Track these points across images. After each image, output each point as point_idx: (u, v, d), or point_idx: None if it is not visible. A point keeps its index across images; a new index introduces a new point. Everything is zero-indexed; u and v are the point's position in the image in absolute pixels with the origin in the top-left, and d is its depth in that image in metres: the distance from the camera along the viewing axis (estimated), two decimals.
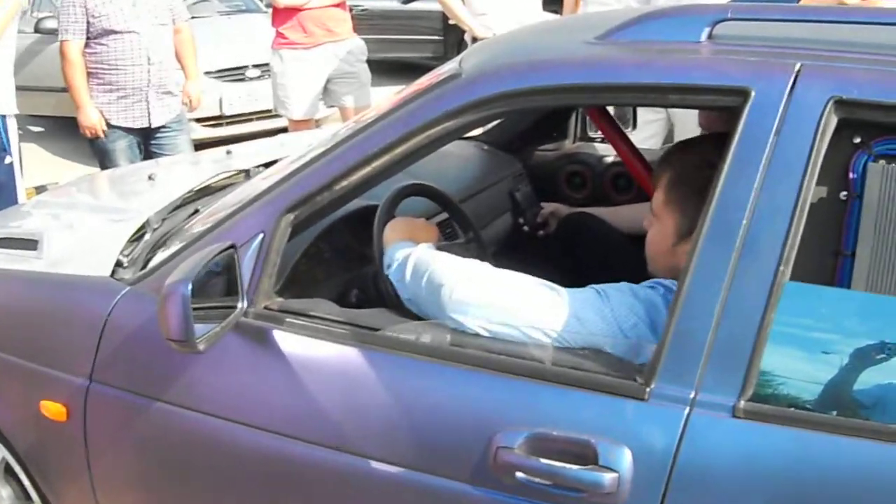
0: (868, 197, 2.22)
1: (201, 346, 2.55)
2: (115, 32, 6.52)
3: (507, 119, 4.77)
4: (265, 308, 2.78)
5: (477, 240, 3.51)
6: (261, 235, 2.79)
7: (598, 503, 2.28)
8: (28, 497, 3.39)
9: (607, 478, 2.24)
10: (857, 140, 2.25)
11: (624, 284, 2.63)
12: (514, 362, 2.46)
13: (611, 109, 4.33)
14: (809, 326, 2.22)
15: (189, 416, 2.82)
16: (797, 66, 2.33)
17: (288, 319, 2.74)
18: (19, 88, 6.29)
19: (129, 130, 6.77)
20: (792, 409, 2.18)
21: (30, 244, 3.54)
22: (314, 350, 2.69)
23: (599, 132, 4.66)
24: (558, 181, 4.77)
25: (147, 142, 6.91)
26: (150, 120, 6.77)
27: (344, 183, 2.74)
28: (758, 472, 2.17)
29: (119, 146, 6.77)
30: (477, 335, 2.57)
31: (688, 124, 4.90)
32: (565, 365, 2.44)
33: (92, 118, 6.62)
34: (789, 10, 2.71)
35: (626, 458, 2.25)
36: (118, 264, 3.24)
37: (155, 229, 3.50)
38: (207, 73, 9.74)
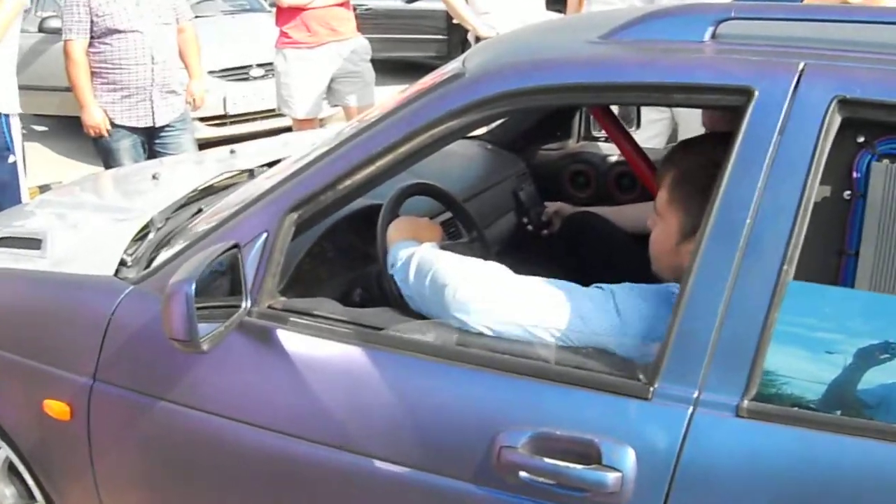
0: (872, 196, 2.22)
1: (205, 346, 2.55)
2: (119, 32, 6.52)
3: (510, 118, 4.76)
4: (269, 307, 2.78)
5: (480, 239, 3.51)
6: (264, 235, 2.79)
7: (602, 503, 2.28)
8: (32, 496, 3.40)
9: (611, 477, 2.24)
10: (861, 139, 2.25)
11: (628, 284, 2.63)
12: (517, 362, 2.46)
13: (615, 109, 4.33)
14: (813, 326, 2.22)
15: (193, 415, 2.82)
16: (801, 66, 2.33)
17: (292, 319, 2.74)
18: (23, 88, 6.29)
19: (132, 130, 6.77)
20: (796, 408, 2.18)
21: (33, 243, 3.54)
22: (318, 349, 2.69)
23: (603, 131, 4.65)
24: (562, 180, 4.77)
25: (151, 141, 6.91)
26: (154, 119, 6.77)
27: (347, 182, 2.74)
28: (761, 472, 2.17)
29: (123, 145, 6.77)
30: (480, 334, 2.57)
31: (692, 124, 4.90)
32: (569, 364, 2.44)
33: (96, 117, 6.63)
34: (793, 10, 2.72)
35: (629, 458, 2.25)
36: (122, 263, 3.24)
37: (159, 228, 3.50)
38: (211, 72, 9.74)
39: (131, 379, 2.96)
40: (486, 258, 2.79)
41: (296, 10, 7.36)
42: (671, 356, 2.26)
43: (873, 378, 2.16)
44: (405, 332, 2.67)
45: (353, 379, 2.62)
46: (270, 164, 3.94)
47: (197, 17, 7.69)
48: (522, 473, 2.33)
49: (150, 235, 3.45)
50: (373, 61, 7.86)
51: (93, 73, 6.64)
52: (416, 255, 2.82)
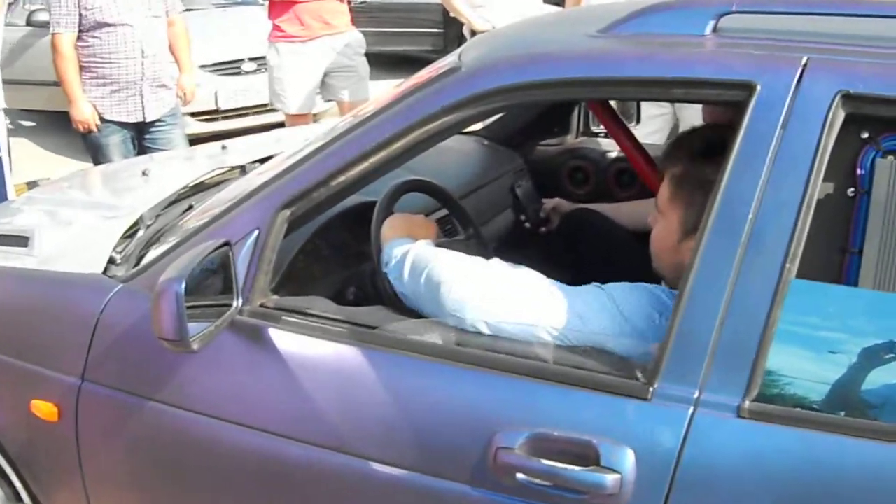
0: (876, 193, 2.22)
1: (195, 346, 2.55)
2: (108, 25, 6.50)
3: (507, 113, 4.76)
4: (261, 306, 2.78)
5: (477, 236, 3.51)
6: (256, 232, 2.78)
7: None
8: (19, 498, 3.39)
9: (609, 479, 2.24)
10: (865, 135, 2.25)
11: (628, 283, 2.63)
12: (514, 361, 2.47)
13: (614, 104, 4.33)
14: (816, 325, 2.23)
15: (183, 415, 2.82)
16: (804, 60, 2.33)
17: (284, 317, 2.74)
18: (10, 82, 6.31)
19: (122, 125, 6.76)
20: (798, 409, 2.18)
21: (21, 241, 3.54)
22: (311, 349, 2.69)
23: (602, 127, 4.65)
24: (560, 177, 4.77)
25: (141, 136, 6.90)
26: (144, 114, 6.76)
27: (341, 178, 2.74)
28: (763, 474, 2.17)
29: (112, 141, 6.76)
30: (477, 333, 2.58)
31: (693, 119, 4.90)
32: (567, 364, 2.44)
33: (85, 112, 6.62)
34: (795, 3, 2.71)
35: (628, 459, 2.25)
36: (111, 261, 3.24)
37: (148, 226, 3.50)
38: (203, 66, 9.73)
39: (120, 379, 2.96)
40: (482, 256, 2.79)
41: (288, 4, 7.35)
42: (671, 356, 2.26)
43: (877, 378, 2.16)
44: (400, 332, 2.67)
45: (346, 379, 2.62)
46: (262, 161, 3.94)
47: (187, 9, 7.69)
48: (519, 475, 2.34)
49: (140, 233, 3.45)
50: (367, 55, 7.85)
51: (81, 68, 6.63)
52: (410, 252, 2.82)
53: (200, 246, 2.67)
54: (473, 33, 7.30)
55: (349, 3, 7.72)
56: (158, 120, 6.86)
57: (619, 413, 2.31)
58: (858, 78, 2.26)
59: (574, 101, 4.69)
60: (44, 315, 3.18)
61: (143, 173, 4.43)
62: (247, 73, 10.51)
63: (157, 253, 3.09)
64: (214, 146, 5.02)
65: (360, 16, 8.58)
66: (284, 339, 2.71)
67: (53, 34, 6.56)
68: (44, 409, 3.07)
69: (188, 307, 2.50)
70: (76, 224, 3.75)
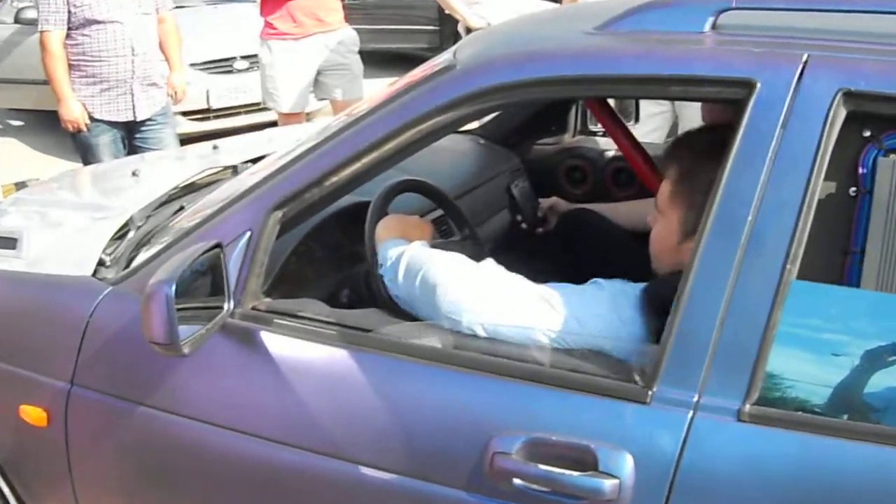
0: (878, 192, 2.22)
1: (186, 349, 2.54)
2: (98, 22, 6.49)
3: (503, 112, 4.77)
4: (252, 309, 2.78)
5: (473, 237, 3.51)
6: (248, 233, 2.78)
7: None
8: None
9: (608, 484, 2.24)
10: (867, 134, 2.25)
11: (627, 283, 2.63)
12: (511, 364, 2.46)
13: (612, 102, 4.33)
14: (817, 327, 2.22)
15: (173, 420, 2.82)
16: (804, 57, 2.32)
17: (276, 320, 2.74)
18: None
19: (112, 124, 6.75)
20: (799, 412, 2.18)
21: (9, 242, 3.53)
22: (303, 352, 2.69)
23: (600, 125, 4.65)
24: (557, 176, 4.77)
25: (131, 136, 6.89)
26: (134, 113, 6.75)
27: (334, 179, 2.73)
28: (764, 478, 2.17)
29: (102, 140, 6.75)
30: (473, 336, 2.58)
31: (693, 118, 4.90)
32: (564, 367, 2.44)
33: (74, 111, 6.60)
34: None
35: (627, 464, 2.25)
36: (101, 263, 3.24)
37: (139, 227, 3.50)
38: (193, 64, 9.73)
39: (110, 383, 2.95)
40: (478, 257, 2.79)
41: (281, 0, 7.34)
42: (670, 358, 2.26)
43: (880, 381, 2.16)
44: (394, 335, 2.67)
45: (340, 383, 2.62)
46: (255, 161, 3.94)
47: (178, 7, 7.68)
48: (516, 480, 2.33)
49: (130, 234, 3.45)
50: (361, 53, 7.85)
51: (71, 66, 6.62)
52: (405, 254, 2.82)
53: (191, 248, 2.67)
54: (468, 30, 7.30)
55: None
56: (149, 119, 6.86)
57: (617, 417, 2.31)
58: (860, 75, 2.26)
59: (571, 100, 4.69)
60: (32, 318, 3.18)
61: (134, 174, 4.42)
62: (239, 71, 10.50)
63: (147, 255, 3.09)
64: (206, 146, 5.02)
65: (353, 13, 8.57)
66: (277, 343, 2.71)
67: (42, 32, 6.54)
68: (33, 414, 3.06)
69: (179, 310, 2.49)
70: (65, 225, 3.75)
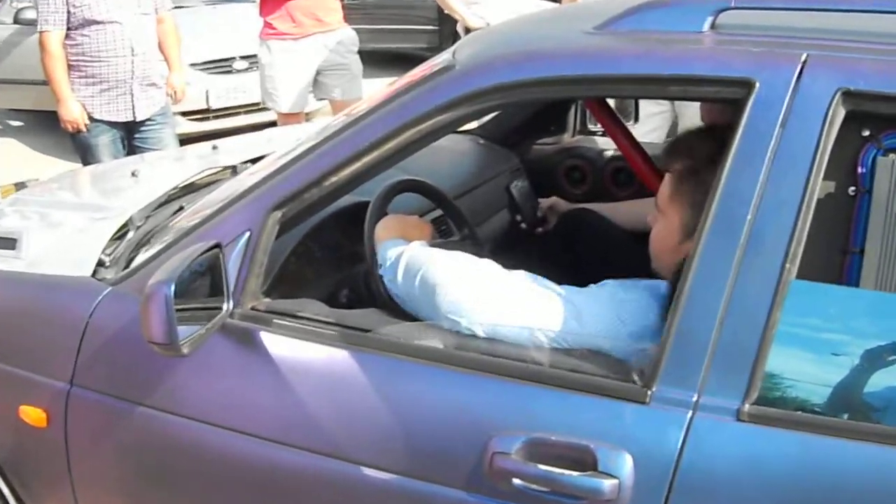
0: (877, 192, 2.22)
1: (185, 349, 2.55)
2: (97, 22, 6.49)
3: (503, 112, 4.77)
4: (252, 309, 2.78)
5: (472, 237, 3.51)
6: (247, 234, 2.78)
7: None
8: None
9: (607, 484, 2.24)
10: (866, 133, 2.25)
11: (626, 282, 2.63)
12: (510, 364, 2.46)
13: (612, 102, 4.33)
14: (817, 326, 2.22)
15: (173, 421, 2.82)
16: (803, 57, 2.32)
17: (275, 321, 2.74)
18: None
19: (112, 124, 6.75)
20: (799, 412, 2.18)
21: (8, 243, 3.53)
22: (303, 352, 2.69)
23: (599, 125, 4.65)
24: (557, 176, 4.77)
25: (131, 136, 6.89)
26: (134, 113, 6.75)
27: (334, 179, 2.73)
28: (763, 478, 2.17)
29: (102, 141, 6.75)
30: (472, 336, 2.58)
31: (693, 117, 4.90)
32: (564, 367, 2.44)
33: (74, 112, 6.60)
34: None
35: (626, 464, 2.25)
36: (100, 264, 3.24)
37: (138, 227, 3.50)
38: (193, 65, 9.73)
39: (109, 383, 2.95)
40: (478, 257, 2.79)
41: (280, 0, 7.34)
42: (669, 358, 2.26)
43: (879, 380, 2.16)
44: (394, 335, 2.67)
45: (339, 383, 2.62)
46: (254, 161, 3.94)
47: (177, 7, 7.68)
48: (516, 480, 2.33)
49: (130, 235, 3.45)
50: (360, 53, 7.85)
51: (70, 66, 6.61)
52: (405, 254, 2.82)
53: (191, 248, 2.67)
54: (467, 30, 7.30)
55: None
56: (148, 119, 6.86)
57: (616, 417, 2.31)
58: (859, 75, 2.26)
59: (571, 100, 4.69)
60: (32, 319, 3.18)
61: (133, 174, 4.42)
62: (238, 71, 10.49)
63: (146, 255, 3.08)
64: (205, 146, 5.02)
65: (353, 13, 8.57)
66: (276, 343, 2.71)
67: (41, 32, 6.54)
68: (32, 414, 3.06)
69: (178, 310, 2.49)
70: (65, 226, 3.75)
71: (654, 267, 2.81)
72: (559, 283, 2.63)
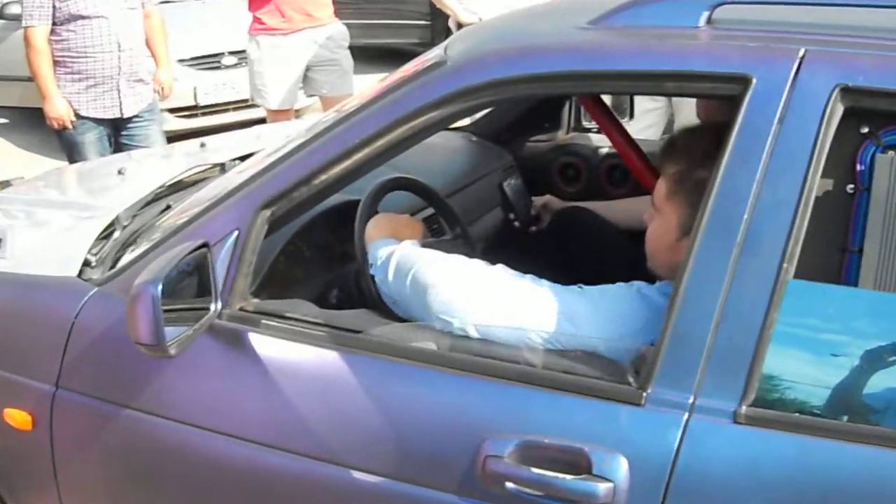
0: (876, 190, 2.21)
1: (172, 350, 2.54)
2: (83, 17, 6.48)
3: (496, 108, 4.76)
4: (240, 309, 2.77)
5: (465, 236, 3.50)
6: (236, 233, 2.78)
7: None
8: None
9: (602, 488, 2.24)
10: (865, 130, 2.24)
11: (620, 283, 2.63)
12: (503, 366, 2.46)
13: (607, 98, 4.32)
14: (815, 327, 2.22)
15: (160, 423, 2.81)
16: (801, 52, 2.32)
17: (264, 321, 2.73)
18: None
19: (99, 121, 6.74)
20: (796, 414, 2.18)
21: None
22: (292, 354, 2.68)
23: (594, 122, 4.65)
24: (551, 174, 4.77)
25: (117, 133, 6.88)
26: (121, 110, 6.74)
27: (324, 177, 2.73)
28: (760, 481, 2.17)
29: (88, 138, 6.74)
30: (465, 337, 2.57)
31: (690, 114, 4.90)
32: (557, 368, 2.44)
33: (59, 109, 6.59)
34: None
35: (621, 467, 2.25)
36: (86, 264, 3.23)
37: (125, 227, 3.49)
38: (181, 60, 9.73)
39: (95, 386, 2.94)
40: (470, 256, 2.79)
41: None
42: (665, 359, 2.25)
43: (879, 382, 2.15)
44: (385, 336, 2.67)
45: (329, 385, 2.61)
46: (243, 158, 3.93)
47: (164, 1, 7.71)
48: (509, 484, 2.33)
49: (116, 234, 3.44)
50: (351, 48, 7.85)
51: (56, 62, 6.60)
52: (395, 253, 2.82)
53: (178, 247, 2.66)
54: (460, 26, 7.29)
55: None
56: (136, 116, 6.85)
57: (611, 419, 2.30)
58: (858, 70, 2.25)
59: (565, 96, 4.69)
60: (16, 320, 3.17)
61: (120, 172, 4.42)
62: (227, 67, 10.48)
63: (133, 255, 3.08)
64: (193, 143, 5.02)
65: (343, 7, 8.55)
66: (265, 344, 2.71)
67: (26, 28, 6.53)
68: (17, 417, 3.06)
69: (165, 311, 2.49)
70: (50, 225, 3.75)
71: (649, 266, 2.81)
72: (553, 282, 2.63)
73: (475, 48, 2.81)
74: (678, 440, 2.22)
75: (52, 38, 6.54)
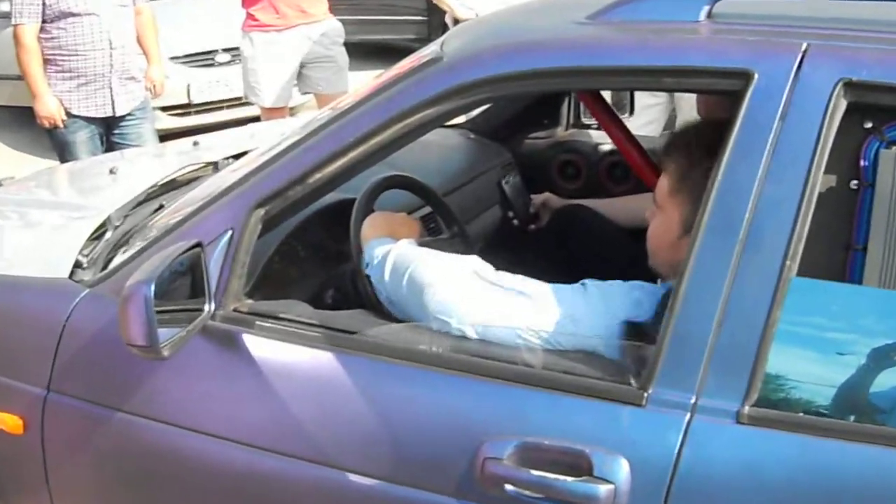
0: (880, 186, 2.21)
1: (165, 352, 2.54)
2: (74, 15, 6.47)
3: (493, 105, 4.76)
4: (234, 310, 2.77)
5: (462, 235, 3.50)
6: (229, 232, 2.77)
7: None
8: None
9: (603, 490, 2.24)
10: (869, 125, 2.24)
11: (621, 282, 2.63)
12: (502, 366, 2.46)
13: (606, 94, 4.32)
14: (818, 325, 2.22)
15: (153, 426, 2.81)
16: (803, 46, 2.32)
17: (258, 322, 2.73)
18: None
19: (90, 120, 6.73)
20: (800, 414, 2.18)
21: None
22: (287, 355, 2.68)
23: (594, 118, 4.65)
24: (550, 171, 4.77)
25: (109, 132, 6.87)
26: (113, 108, 6.73)
27: (319, 175, 2.73)
28: (764, 483, 2.17)
29: (80, 137, 6.73)
30: (462, 338, 2.57)
31: (692, 109, 4.90)
32: (557, 369, 2.44)
33: (50, 107, 6.58)
34: None
35: (622, 469, 2.25)
36: (77, 265, 3.22)
37: (116, 227, 3.48)
38: (174, 58, 9.72)
39: (87, 389, 2.94)
40: (468, 255, 2.78)
41: None
42: (666, 359, 2.25)
43: (884, 381, 2.15)
44: (381, 336, 2.67)
45: (325, 387, 2.61)
46: (236, 157, 3.93)
47: None
48: (508, 486, 2.32)
49: (108, 234, 3.43)
50: (346, 45, 7.83)
51: (46, 61, 6.59)
52: (392, 252, 2.82)
53: (171, 247, 2.66)
54: (456, 21, 7.30)
55: None
56: (128, 115, 6.84)
57: (612, 420, 2.30)
58: (861, 65, 2.25)
59: (562, 92, 4.69)
60: (6, 322, 3.16)
61: (112, 171, 4.42)
62: (220, 64, 10.46)
63: (125, 256, 3.07)
64: (186, 142, 5.02)
65: (338, 3, 8.54)
66: (259, 346, 2.70)
67: (15, 25, 6.51)
68: (8, 421, 3.05)
69: (158, 312, 2.49)
70: (41, 226, 3.74)
71: (651, 264, 2.81)
72: (553, 281, 2.63)
73: (472, 44, 2.81)
74: (680, 441, 2.22)
75: (42, 35, 6.53)
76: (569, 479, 2.27)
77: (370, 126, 2.67)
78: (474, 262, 2.72)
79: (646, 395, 2.26)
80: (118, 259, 3.12)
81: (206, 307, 2.71)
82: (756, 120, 2.28)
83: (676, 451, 2.22)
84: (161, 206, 3.60)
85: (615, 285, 2.62)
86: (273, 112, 7.56)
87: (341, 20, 7.87)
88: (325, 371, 2.61)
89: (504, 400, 2.41)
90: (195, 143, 4.84)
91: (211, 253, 2.75)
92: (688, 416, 2.23)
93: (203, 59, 10.44)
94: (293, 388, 2.65)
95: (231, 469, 2.71)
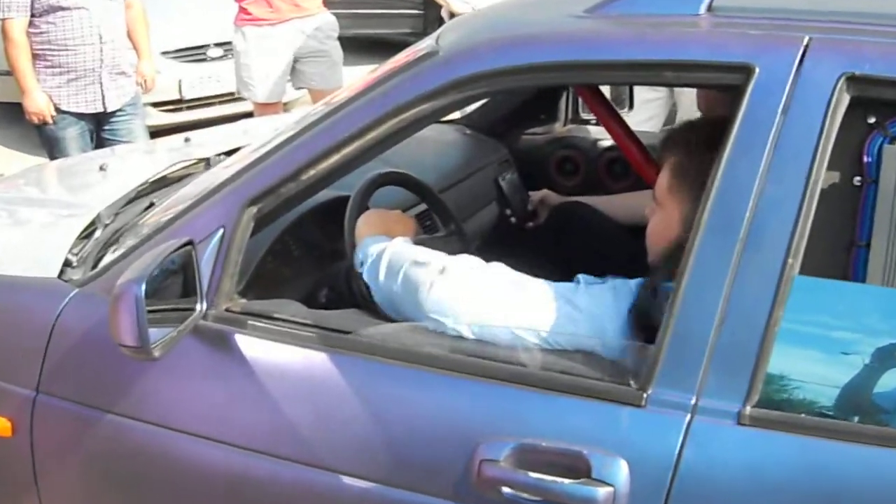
0: (884, 182, 2.21)
1: (156, 352, 2.53)
2: (63, 9, 6.45)
3: (490, 100, 4.76)
4: (226, 310, 2.77)
5: (459, 233, 3.50)
6: (221, 230, 2.77)
7: None
8: None
9: (601, 492, 2.23)
10: (872, 120, 2.24)
11: (621, 280, 2.62)
12: (498, 367, 2.46)
13: (605, 89, 4.32)
14: (821, 324, 2.22)
15: (143, 428, 2.80)
16: (805, 40, 2.32)
17: (251, 322, 2.72)
18: None
19: (80, 116, 6.73)
20: (802, 415, 2.18)
21: None
22: (280, 355, 2.68)
23: (592, 113, 4.64)
24: (548, 167, 4.77)
25: (99, 128, 6.87)
26: (104, 104, 6.73)
27: (312, 172, 2.72)
28: (765, 485, 2.17)
29: (70, 133, 6.72)
30: (459, 337, 2.57)
31: (693, 104, 4.90)
32: (555, 369, 2.44)
33: (39, 103, 6.57)
34: None
35: (621, 471, 2.24)
36: (67, 264, 3.22)
37: (106, 225, 3.48)
38: (165, 52, 9.71)
39: (77, 390, 2.94)
40: (465, 253, 2.78)
41: None
42: (666, 359, 2.25)
43: (888, 381, 2.15)
44: (376, 336, 2.66)
45: (318, 387, 2.61)
46: (229, 153, 3.92)
47: None
48: (505, 489, 2.32)
49: (98, 233, 3.43)
50: (340, 39, 7.84)
51: (35, 55, 6.59)
52: (387, 251, 2.81)
53: (162, 246, 2.65)
54: (452, 15, 7.29)
55: None
56: (118, 110, 6.84)
57: (611, 421, 2.30)
58: (864, 59, 2.25)
59: (560, 87, 4.68)
60: None
61: (102, 168, 4.41)
62: (212, 59, 10.44)
63: (115, 254, 3.07)
64: (177, 138, 5.02)
65: None
66: (252, 346, 2.70)
67: (3, 20, 6.50)
68: None
69: (149, 311, 2.48)
70: (30, 224, 3.74)
71: (650, 261, 2.81)
72: (551, 279, 2.63)
73: (468, 38, 2.81)
74: (680, 442, 2.22)
75: (31, 30, 6.52)
76: (567, 481, 2.26)
77: (365, 122, 2.67)
78: (470, 260, 2.71)
79: (645, 395, 2.26)
80: (108, 258, 3.12)
81: (198, 307, 2.70)
82: (757, 115, 2.27)
83: (676, 452, 2.22)
84: (152, 204, 3.59)
85: (615, 282, 2.62)
86: (266, 108, 7.57)
87: (335, 14, 7.88)
88: (319, 372, 2.61)
89: (501, 401, 2.41)
90: (187, 140, 4.84)
91: (203, 251, 2.75)
92: (688, 416, 2.23)
93: (195, 53, 10.42)
94: (286, 389, 2.64)
95: (223, 472, 2.70)
